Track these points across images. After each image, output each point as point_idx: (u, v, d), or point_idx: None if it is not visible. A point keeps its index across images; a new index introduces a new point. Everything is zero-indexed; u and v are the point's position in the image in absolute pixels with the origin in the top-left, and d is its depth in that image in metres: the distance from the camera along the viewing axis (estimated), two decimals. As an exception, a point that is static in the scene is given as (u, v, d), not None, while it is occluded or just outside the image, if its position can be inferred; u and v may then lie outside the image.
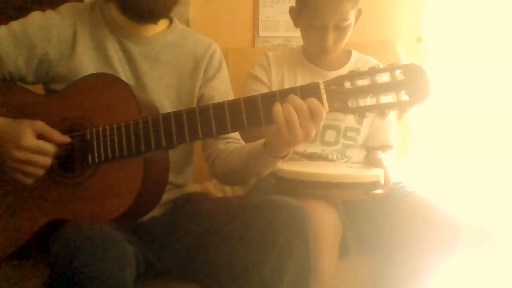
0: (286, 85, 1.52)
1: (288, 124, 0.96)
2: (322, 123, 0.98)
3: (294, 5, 1.51)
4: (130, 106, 1.08)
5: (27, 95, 1.19)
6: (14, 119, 1.09)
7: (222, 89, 1.34)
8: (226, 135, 1.27)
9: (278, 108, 0.97)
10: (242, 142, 1.31)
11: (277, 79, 1.55)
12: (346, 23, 1.41)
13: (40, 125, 1.07)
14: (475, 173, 1.87)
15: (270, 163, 1.12)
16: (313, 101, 0.96)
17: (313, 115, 0.96)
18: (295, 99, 0.97)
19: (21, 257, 1.14)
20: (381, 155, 1.46)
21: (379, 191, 1.29)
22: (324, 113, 0.96)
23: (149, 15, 1.20)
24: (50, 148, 1.06)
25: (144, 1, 1.16)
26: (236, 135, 1.30)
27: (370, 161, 1.44)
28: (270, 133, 1.03)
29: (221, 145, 1.28)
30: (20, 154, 1.03)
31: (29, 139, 1.04)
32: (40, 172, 1.06)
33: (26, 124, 1.06)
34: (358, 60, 1.58)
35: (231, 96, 1.35)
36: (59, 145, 1.08)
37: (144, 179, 1.04)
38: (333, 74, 0.99)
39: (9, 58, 1.18)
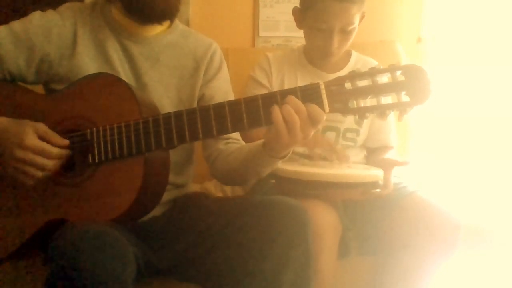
0: (287, 87, 1.50)
1: (289, 126, 0.96)
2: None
3: (297, 6, 1.50)
4: (130, 106, 1.08)
5: (27, 95, 1.19)
6: (16, 120, 1.09)
7: (223, 89, 1.34)
8: (227, 136, 1.27)
9: (276, 110, 0.97)
10: (242, 142, 1.31)
11: (278, 80, 1.55)
12: (351, 27, 1.41)
13: (42, 127, 1.07)
14: (476, 173, 1.87)
15: (270, 163, 1.12)
16: (314, 107, 0.96)
17: (313, 121, 0.96)
18: (295, 101, 0.96)
19: (21, 257, 1.14)
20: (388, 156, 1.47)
21: (378, 190, 1.29)
22: (324, 118, 0.96)
23: (159, 16, 1.20)
24: (52, 150, 1.06)
25: (155, 2, 1.16)
26: (236, 135, 1.30)
27: (377, 162, 1.43)
28: (269, 134, 1.03)
29: (221, 145, 1.28)
30: (21, 153, 1.03)
31: (32, 139, 1.04)
32: (39, 174, 1.06)
33: (28, 124, 1.06)
34: (358, 61, 1.58)
35: (231, 96, 1.35)
36: (58, 147, 1.08)
37: (144, 179, 1.04)
38: (333, 76, 0.99)
39: (10, 58, 1.18)
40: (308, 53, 1.57)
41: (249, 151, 1.16)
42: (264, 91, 1.50)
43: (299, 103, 0.96)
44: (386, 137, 1.60)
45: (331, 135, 1.54)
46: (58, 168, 1.08)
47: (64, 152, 1.08)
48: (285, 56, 1.60)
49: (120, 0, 1.21)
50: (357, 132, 1.56)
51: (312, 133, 0.99)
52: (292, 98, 0.97)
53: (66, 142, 1.09)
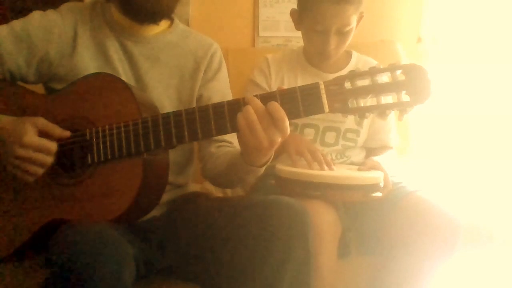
0: (286, 87, 1.51)
1: (249, 126, 0.95)
2: (287, 130, 0.96)
3: (295, 7, 1.50)
4: (129, 106, 1.08)
5: (27, 95, 1.18)
6: (15, 117, 1.09)
7: (221, 90, 1.33)
8: (220, 138, 1.28)
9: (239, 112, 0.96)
10: (236, 145, 1.30)
11: (277, 81, 1.55)
12: (348, 28, 1.41)
13: (41, 121, 1.07)
14: (476, 173, 1.87)
15: (249, 171, 1.10)
16: (274, 105, 0.95)
17: (274, 120, 0.95)
18: (255, 101, 0.96)
19: (21, 257, 1.13)
20: (377, 158, 1.46)
21: (378, 194, 1.29)
22: (286, 118, 0.95)
23: (151, 16, 1.20)
24: (52, 146, 1.06)
25: (147, 2, 1.16)
26: (230, 138, 1.29)
27: (368, 167, 1.43)
28: (238, 139, 1.02)
29: (213, 148, 1.29)
30: (22, 152, 1.03)
31: (31, 137, 1.04)
32: (40, 171, 1.06)
33: (28, 121, 1.06)
34: (358, 61, 1.58)
35: (229, 97, 1.34)
36: (61, 140, 1.08)
37: (144, 179, 1.04)
38: (333, 76, 0.98)
39: (10, 57, 1.18)
40: (307, 54, 1.57)
41: (232, 157, 1.16)
42: None
43: (257, 102, 0.96)
44: (385, 137, 1.60)
45: (331, 135, 1.54)
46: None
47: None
48: (284, 57, 1.60)
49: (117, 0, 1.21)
50: (357, 132, 1.56)
51: (277, 137, 0.96)
52: (252, 99, 0.96)
53: (67, 133, 1.09)
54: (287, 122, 0.95)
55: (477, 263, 1.50)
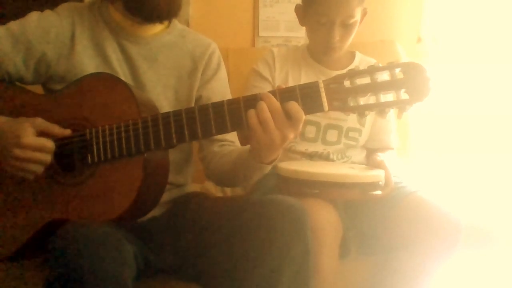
0: (290, 82, 1.53)
1: (263, 125, 0.96)
2: (301, 127, 0.97)
3: (299, 3, 1.51)
4: (129, 105, 1.08)
5: (26, 96, 1.19)
6: (14, 118, 1.09)
7: (220, 91, 1.33)
8: (222, 138, 1.28)
9: (252, 109, 0.97)
10: (237, 144, 1.30)
11: (281, 76, 1.55)
12: (352, 20, 1.42)
13: (40, 121, 1.07)
14: (476, 173, 1.87)
15: (257, 168, 1.11)
16: (292, 104, 0.95)
17: (291, 119, 0.96)
18: (269, 98, 0.96)
19: (21, 257, 1.13)
20: (382, 157, 1.46)
21: (378, 192, 1.29)
22: (304, 118, 0.96)
23: (162, 15, 1.19)
24: (50, 145, 1.06)
25: (158, 2, 1.16)
26: (231, 137, 1.29)
27: (371, 164, 1.43)
28: (249, 136, 1.02)
29: (215, 147, 1.29)
30: (20, 152, 1.03)
31: (29, 137, 1.04)
32: (40, 169, 1.06)
33: (26, 122, 1.06)
34: (361, 62, 1.58)
35: (228, 97, 1.33)
36: (61, 139, 1.08)
37: (144, 179, 1.04)
38: (336, 73, 0.98)
39: (8, 58, 1.18)
40: (312, 50, 1.58)
41: (238, 155, 1.16)
42: (265, 84, 1.53)
43: (273, 100, 0.96)
44: (386, 138, 1.60)
45: (333, 133, 1.54)
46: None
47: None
48: (289, 52, 1.61)
49: None
50: (359, 131, 1.56)
51: (291, 134, 0.98)
52: (267, 96, 0.96)
53: (67, 131, 1.09)
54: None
55: (477, 263, 1.50)
